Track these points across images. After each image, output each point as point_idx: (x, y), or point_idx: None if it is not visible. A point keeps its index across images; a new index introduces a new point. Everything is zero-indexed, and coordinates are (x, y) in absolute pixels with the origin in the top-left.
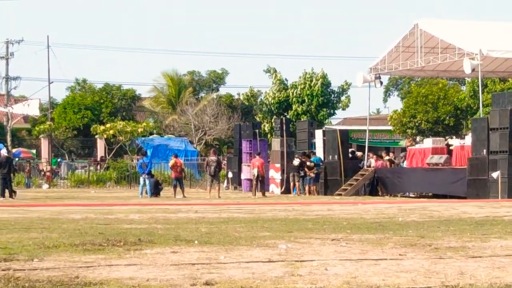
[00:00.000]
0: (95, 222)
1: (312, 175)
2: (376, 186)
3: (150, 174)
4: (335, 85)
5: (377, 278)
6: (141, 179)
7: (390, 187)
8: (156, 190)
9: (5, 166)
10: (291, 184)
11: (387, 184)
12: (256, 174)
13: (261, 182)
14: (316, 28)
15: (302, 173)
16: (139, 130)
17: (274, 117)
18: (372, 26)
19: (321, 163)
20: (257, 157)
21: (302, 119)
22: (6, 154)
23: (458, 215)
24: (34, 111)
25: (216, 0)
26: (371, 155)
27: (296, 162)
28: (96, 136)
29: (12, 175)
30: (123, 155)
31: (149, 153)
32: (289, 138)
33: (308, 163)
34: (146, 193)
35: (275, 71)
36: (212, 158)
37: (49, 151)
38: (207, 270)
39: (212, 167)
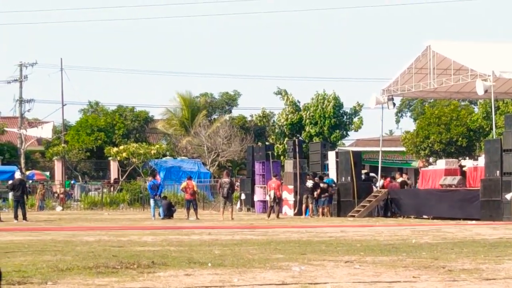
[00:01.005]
0: (108, 245)
1: (326, 195)
2: (390, 208)
3: (162, 196)
4: (347, 106)
5: None
6: (152, 201)
7: (403, 208)
8: (169, 212)
9: (18, 188)
10: (304, 205)
11: (400, 205)
12: (273, 196)
13: (277, 204)
14: (328, 50)
15: (315, 195)
16: (152, 152)
17: (286, 139)
18: (385, 47)
19: (334, 185)
20: (274, 178)
21: (314, 141)
22: (19, 177)
23: (471, 237)
24: (47, 133)
25: (228, 22)
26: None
27: (309, 183)
28: (110, 158)
29: (25, 197)
30: (136, 177)
31: (162, 175)
32: (302, 159)
33: (321, 185)
34: (159, 214)
35: (286, 93)
36: (225, 179)
37: (63, 173)
38: None
39: (225, 189)
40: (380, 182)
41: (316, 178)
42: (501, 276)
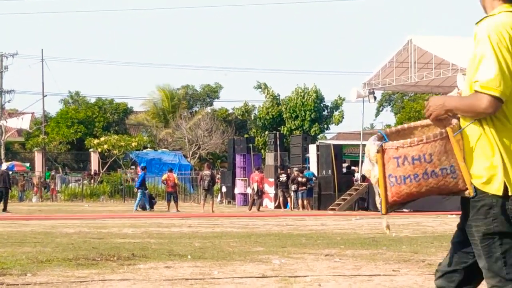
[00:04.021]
0: (88, 236)
1: (304, 188)
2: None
3: (143, 188)
4: (328, 100)
5: None
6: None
7: None
8: (149, 204)
9: (0, 180)
10: (281, 199)
11: None
12: (256, 189)
13: (259, 197)
14: (310, 43)
15: (293, 188)
16: (133, 144)
17: (266, 132)
18: (366, 41)
19: (314, 178)
20: (256, 171)
21: (294, 135)
22: (3, 169)
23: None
24: (27, 125)
25: (209, 14)
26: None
27: (283, 177)
28: (90, 150)
29: (8, 189)
30: (116, 169)
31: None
32: (283, 152)
33: (299, 179)
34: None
35: (266, 86)
36: (206, 172)
37: (43, 164)
38: (200, 286)
39: (206, 181)
40: (359, 175)
41: (296, 171)
42: None
